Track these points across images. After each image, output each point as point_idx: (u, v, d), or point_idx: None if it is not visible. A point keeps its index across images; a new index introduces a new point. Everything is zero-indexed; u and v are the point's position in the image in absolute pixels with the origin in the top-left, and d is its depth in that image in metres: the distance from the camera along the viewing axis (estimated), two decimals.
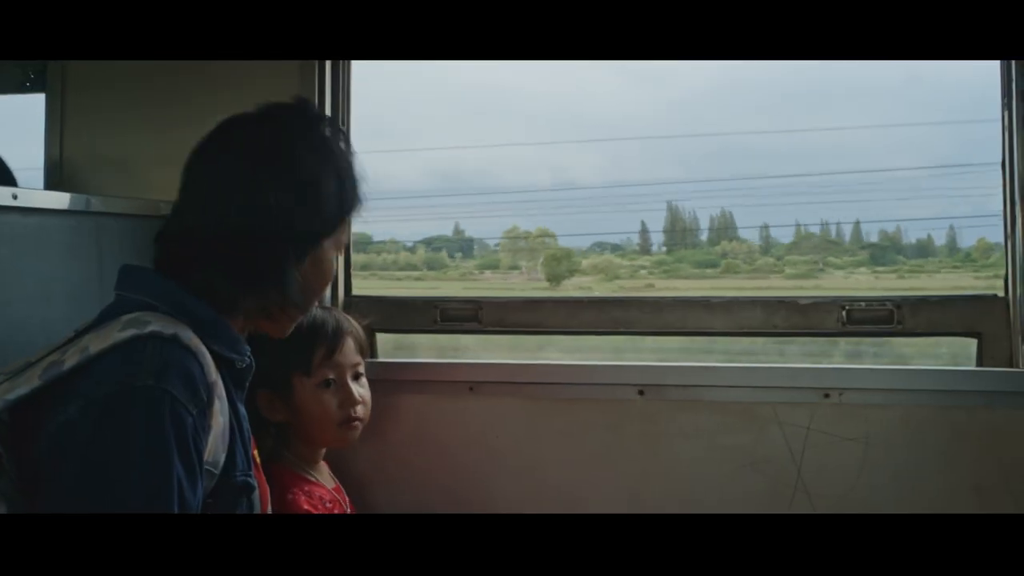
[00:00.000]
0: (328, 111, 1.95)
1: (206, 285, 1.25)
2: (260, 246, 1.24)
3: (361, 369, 1.69)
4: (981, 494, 1.63)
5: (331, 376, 1.63)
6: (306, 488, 1.62)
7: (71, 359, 1.14)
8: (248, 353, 1.31)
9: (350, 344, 1.66)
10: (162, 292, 1.24)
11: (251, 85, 1.92)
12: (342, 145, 1.34)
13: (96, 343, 1.14)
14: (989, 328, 1.73)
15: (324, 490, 1.66)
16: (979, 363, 1.75)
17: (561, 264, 3.01)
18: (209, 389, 1.17)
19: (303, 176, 1.27)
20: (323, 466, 1.72)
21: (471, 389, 1.82)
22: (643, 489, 1.76)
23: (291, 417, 1.63)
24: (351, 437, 1.66)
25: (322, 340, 1.63)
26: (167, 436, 1.09)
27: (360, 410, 1.66)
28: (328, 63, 1.95)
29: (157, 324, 1.16)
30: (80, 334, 1.20)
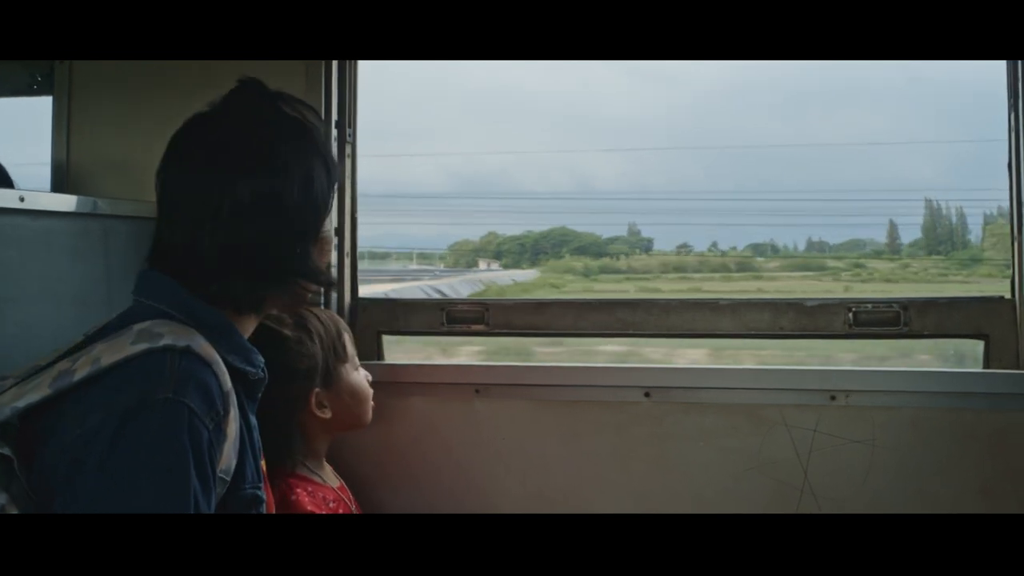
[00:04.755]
0: (335, 111, 1.95)
1: (225, 294, 1.24)
2: (278, 247, 1.24)
3: None
4: (988, 496, 1.63)
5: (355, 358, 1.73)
6: (310, 488, 1.63)
7: (82, 369, 1.13)
8: (262, 365, 1.30)
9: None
10: (178, 301, 1.22)
11: None
12: (311, 121, 1.32)
13: (108, 355, 1.13)
14: (996, 330, 1.73)
15: (328, 490, 1.67)
16: (986, 365, 1.75)
17: None
18: (225, 399, 1.17)
19: (297, 168, 1.25)
20: (326, 465, 1.73)
21: (477, 391, 1.82)
22: (649, 491, 1.76)
23: (337, 404, 1.67)
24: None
25: (344, 328, 1.73)
26: (185, 449, 1.09)
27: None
28: (335, 63, 1.95)
29: (169, 337, 1.15)
30: (90, 339, 1.20)
